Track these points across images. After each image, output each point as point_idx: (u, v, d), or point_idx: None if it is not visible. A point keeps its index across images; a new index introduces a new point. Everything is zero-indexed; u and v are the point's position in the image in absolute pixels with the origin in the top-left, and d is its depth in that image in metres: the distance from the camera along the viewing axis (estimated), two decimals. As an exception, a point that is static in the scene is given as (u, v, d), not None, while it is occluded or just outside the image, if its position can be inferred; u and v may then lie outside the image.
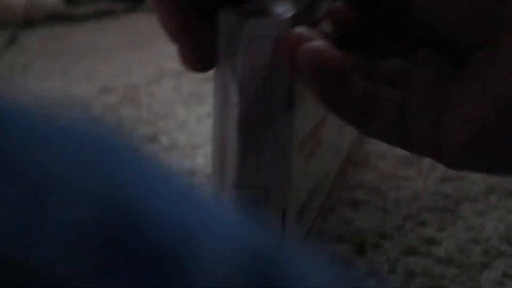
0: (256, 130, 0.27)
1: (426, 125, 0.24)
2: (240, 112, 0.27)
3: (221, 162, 0.29)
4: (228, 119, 0.28)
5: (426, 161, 0.44)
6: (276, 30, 0.26)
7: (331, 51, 0.23)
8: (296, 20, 0.27)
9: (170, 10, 0.27)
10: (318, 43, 0.23)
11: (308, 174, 0.32)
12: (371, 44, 0.27)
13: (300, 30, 0.24)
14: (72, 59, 0.81)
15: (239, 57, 0.26)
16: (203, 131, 0.51)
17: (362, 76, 0.25)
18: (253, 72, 0.27)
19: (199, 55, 0.27)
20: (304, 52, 0.23)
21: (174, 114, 0.56)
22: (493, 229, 0.37)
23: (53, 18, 1.01)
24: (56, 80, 0.71)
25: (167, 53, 0.81)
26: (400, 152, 0.45)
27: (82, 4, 1.08)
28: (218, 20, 0.27)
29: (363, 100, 0.24)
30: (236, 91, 0.27)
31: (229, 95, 0.27)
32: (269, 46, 0.26)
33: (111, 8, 1.05)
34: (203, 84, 0.63)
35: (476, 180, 0.42)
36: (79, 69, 0.76)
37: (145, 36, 0.90)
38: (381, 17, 0.26)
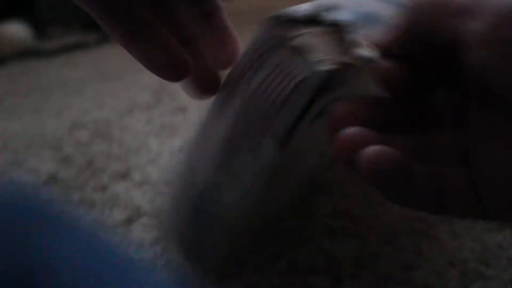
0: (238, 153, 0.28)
1: (502, 191, 0.23)
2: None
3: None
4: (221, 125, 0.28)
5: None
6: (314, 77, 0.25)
7: (391, 153, 0.22)
8: (335, 72, 0.25)
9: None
10: (376, 148, 0.23)
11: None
12: (421, 114, 0.26)
13: (355, 130, 0.24)
14: (43, 94, 0.80)
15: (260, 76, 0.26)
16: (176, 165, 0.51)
17: (419, 160, 0.24)
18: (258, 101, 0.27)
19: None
20: (364, 160, 0.22)
21: (147, 147, 0.55)
22: (469, 251, 0.37)
23: (24, 54, 1.01)
24: (27, 118, 0.70)
25: (138, 84, 0.80)
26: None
27: (52, 39, 1.07)
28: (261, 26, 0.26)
29: (428, 187, 0.24)
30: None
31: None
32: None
33: (81, 41, 1.05)
34: (175, 115, 0.62)
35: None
36: (50, 104, 0.75)
37: (116, 68, 0.89)
38: (432, 81, 0.25)
